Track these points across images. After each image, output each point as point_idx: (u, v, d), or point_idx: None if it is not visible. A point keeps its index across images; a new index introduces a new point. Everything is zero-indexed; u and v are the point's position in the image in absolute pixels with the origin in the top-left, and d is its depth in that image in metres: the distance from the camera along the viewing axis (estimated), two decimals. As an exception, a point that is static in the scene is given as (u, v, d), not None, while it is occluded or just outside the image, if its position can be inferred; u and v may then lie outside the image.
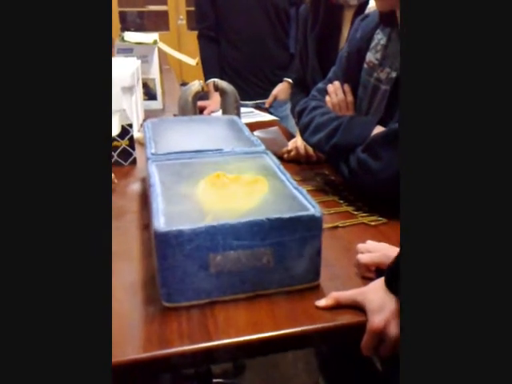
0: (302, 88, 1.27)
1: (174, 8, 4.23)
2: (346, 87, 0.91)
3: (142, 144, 1.24)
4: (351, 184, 0.86)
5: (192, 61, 1.68)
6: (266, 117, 1.58)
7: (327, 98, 0.93)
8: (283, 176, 0.75)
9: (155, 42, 1.59)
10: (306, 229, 0.61)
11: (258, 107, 1.60)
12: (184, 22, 4.27)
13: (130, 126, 1.11)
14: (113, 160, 1.10)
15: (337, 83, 0.93)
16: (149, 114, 1.51)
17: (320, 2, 1.17)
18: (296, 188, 0.69)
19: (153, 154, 0.84)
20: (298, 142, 1.08)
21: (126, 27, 4.21)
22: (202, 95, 1.39)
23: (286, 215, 0.60)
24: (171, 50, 1.70)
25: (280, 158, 1.13)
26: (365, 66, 0.88)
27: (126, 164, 1.11)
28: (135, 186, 1.02)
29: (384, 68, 0.84)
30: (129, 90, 1.30)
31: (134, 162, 1.12)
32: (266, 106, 1.62)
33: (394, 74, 0.81)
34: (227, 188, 0.73)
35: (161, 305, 0.61)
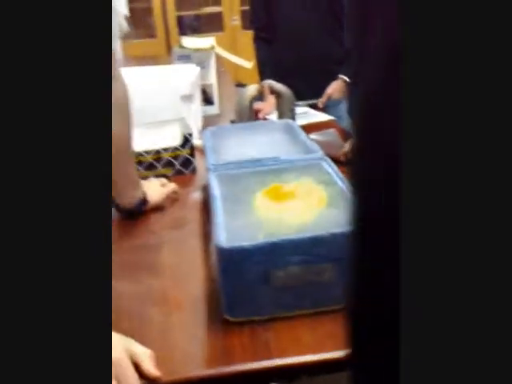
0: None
1: (229, 8, 4.27)
2: None
3: (202, 151, 1.26)
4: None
5: (247, 63, 1.68)
6: (322, 117, 1.55)
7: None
8: (342, 184, 0.73)
9: (212, 48, 1.61)
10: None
11: (313, 107, 1.57)
12: (238, 22, 4.29)
13: (191, 135, 1.13)
14: (175, 169, 1.13)
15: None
16: (206, 119, 1.53)
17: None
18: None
19: (213, 165, 0.85)
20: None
21: (183, 32, 4.31)
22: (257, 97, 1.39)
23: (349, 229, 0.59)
24: (227, 54, 1.71)
25: (338, 160, 1.10)
26: None
27: (187, 172, 1.14)
28: (196, 195, 1.03)
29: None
30: (188, 98, 1.33)
31: (195, 170, 1.14)
32: (320, 105, 1.59)
33: None
34: (285, 201, 0.73)
35: (223, 318, 0.62)
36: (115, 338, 0.53)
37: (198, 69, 1.53)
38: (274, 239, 0.59)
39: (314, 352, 0.56)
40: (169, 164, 1.12)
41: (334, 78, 1.60)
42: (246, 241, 0.59)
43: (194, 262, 0.76)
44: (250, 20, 1.69)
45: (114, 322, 0.42)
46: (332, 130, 1.13)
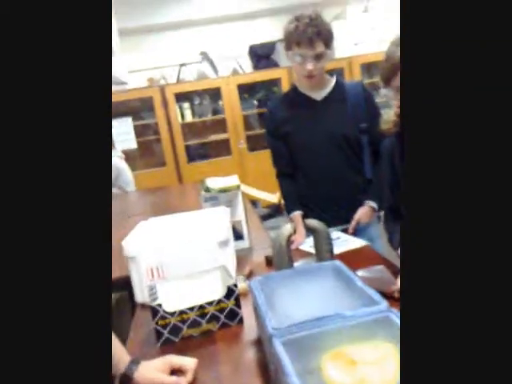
0: (395, 216, 1.25)
1: (234, 134, 4.52)
2: None
3: (245, 295, 1.23)
4: None
5: (273, 197, 1.72)
6: (356, 242, 1.55)
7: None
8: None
9: (238, 187, 1.66)
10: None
11: (343, 231, 1.58)
12: (244, 145, 4.52)
13: (236, 285, 1.11)
14: (220, 322, 1.09)
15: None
16: (239, 254, 1.53)
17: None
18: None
19: (275, 329, 0.81)
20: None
21: (191, 158, 4.52)
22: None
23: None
24: (253, 191, 1.76)
25: (391, 297, 1.07)
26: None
27: (232, 324, 1.10)
28: (248, 355, 0.98)
29: None
30: (225, 243, 1.33)
31: (242, 321, 1.10)
32: (350, 231, 1.60)
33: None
34: (355, 368, 0.68)
35: None
36: None
37: (229, 210, 1.56)
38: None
39: None
40: (213, 318, 1.09)
41: (358, 205, 1.64)
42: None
43: None
44: (274, 160, 1.77)
45: None
46: (381, 267, 1.12)
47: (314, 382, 0.66)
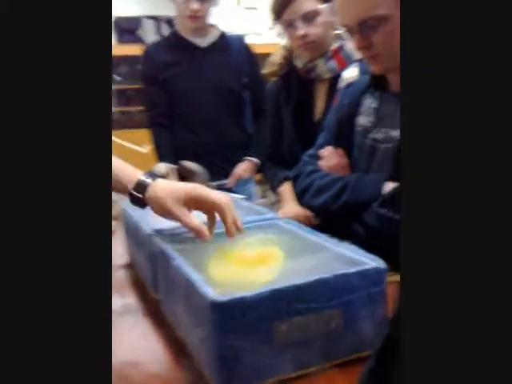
0: (277, 161, 1.27)
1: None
2: (340, 151, 0.92)
3: (114, 232, 1.12)
4: (369, 242, 0.83)
5: (144, 149, 1.63)
6: (235, 196, 1.54)
7: (321, 163, 0.93)
8: (317, 236, 0.69)
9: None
10: (372, 284, 0.56)
11: (220, 188, 1.56)
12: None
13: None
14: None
15: (330, 147, 0.93)
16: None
17: (291, 78, 1.22)
18: (342, 245, 0.64)
19: (156, 230, 0.75)
20: (294, 210, 1.04)
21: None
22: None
23: (352, 270, 0.55)
24: (120, 140, 1.65)
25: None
26: (358, 128, 0.90)
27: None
28: (120, 273, 0.89)
29: (380, 128, 0.86)
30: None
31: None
32: (229, 185, 1.58)
33: (394, 133, 0.83)
34: (252, 259, 0.66)
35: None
36: None
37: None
38: (278, 286, 0.52)
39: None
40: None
41: (236, 161, 1.63)
42: (244, 292, 0.51)
43: (151, 343, 0.63)
44: (147, 107, 1.66)
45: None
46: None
47: (201, 275, 0.61)
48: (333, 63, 1.18)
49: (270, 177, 1.31)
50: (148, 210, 0.87)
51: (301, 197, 0.93)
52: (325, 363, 0.54)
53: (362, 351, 0.55)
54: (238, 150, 1.63)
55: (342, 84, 1.00)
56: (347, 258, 0.60)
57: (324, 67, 1.18)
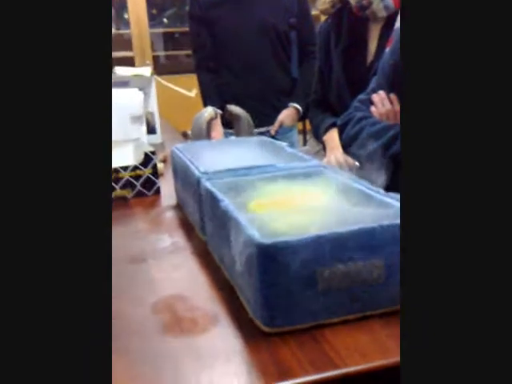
0: (323, 108, 1.24)
1: (140, 54, 4.23)
2: (393, 96, 0.89)
3: (162, 175, 1.16)
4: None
5: (191, 93, 1.63)
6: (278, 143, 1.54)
7: (373, 109, 0.90)
8: (362, 186, 0.69)
9: (152, 74, 1.54)
10: (417, 235, 0.55)
11: (263, 134, 1.55)
12: (150, 67, 4.26)
13: (153, 153, 1.03)
14: (136, 191, 1.01)
15: (382, 93, 0.90)
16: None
17: (343, 17, 1.16)
18: (388, 195, 0.64)
19: (203, 173, 0.76)
20: (338, 159, 1.03)
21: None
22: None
23: (397, 221, 0.54)
24: (168, 83, 1.65)
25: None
26: (414, 74, 0.86)
27: (149, 194, 1.03)
28: (168, 215, 0.93)
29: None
30: (138, 119, 1.23)
31: (158, 191, 1.04)
32: (272, 133, 1.58)
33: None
34: (299, 204, 0.67)
35: (255, 331, 0.53)
36: None
37: (142, 93, 1.44)
38: (321, 233, 0.52)
39: (377, 359, 0.49)
40: (128, 184, 1.01)
41: (280, 107, 1.61)
42: (289, 237, 0.52)
43: (201, 285, 0.66)
44: (193, 49, 1.64)
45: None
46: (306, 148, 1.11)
47: (247, 217, 0.62)
48: (389, 0, 1.11)
49: (315, 124, 1.29)
50: (197, 153, 0.89)
51: (348, 145, 0.91)
52: (365, 312, 0.55)
53: (403, 301, 0.56)
54: (282, 95, 1.60)
55: (398, 24, 0.95)
56: (393, 208, 0.60)
57: (380, 4, 1.11)
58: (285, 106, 1.60)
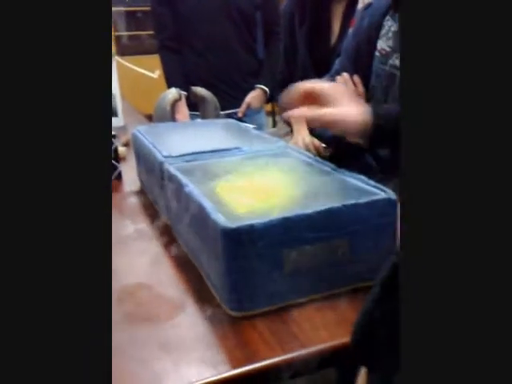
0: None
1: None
2: (356, 78, 0.88)
3: (124, 159, 1.13)
4: (380, 174, 0.82)
5: (154, 74, 1.59)
6: (245, 126, 1.52)
7: (337, 91, 0.89)
8: (327, 167, 0.69)
9: (114, 55, 1.48)
10: (381, 215, 0.56)
11: (230, 117, 1.53)
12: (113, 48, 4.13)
13: (114, 136, 1.00)
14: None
15: (346, 74, 0.89)
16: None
17: (306, -2, 1.15)
18: (352, 175, 0.64)
19: (167, 157, 0.75)
20: (305, 140, 1.03)
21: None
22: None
23: (362, 200, 0.55)
24: (129, 64, 1.60)
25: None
26: (377, 54, 0.86)
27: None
28: (131, 200, 0.91)
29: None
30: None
31: (120, 176, 1.01)
32: (240, 115, 1.55)
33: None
34: (262, 185, 0.66)
35: (223, 316, 0.52)
36: None
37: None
38: (287, 215, 0.52)
39: (344, 336, 0.49)
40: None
41: (247, 89, 1.58)
42: (254, 220, 0.51)
43: (164, 267, 0.65)
44: (156, 29, 1.59)
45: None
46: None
47: (212, 201, 0.61)
48: None
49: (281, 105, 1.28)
50: (160, 136, 0.86)
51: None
52: (331, 291, 0.55)
53: (367, 281, 0.56)
54: (249, 76, 1.58)
55: (360, 5, 0.94)
56: (357, 188, 0.60)
57: None
58: (252, 88, 1.58)
